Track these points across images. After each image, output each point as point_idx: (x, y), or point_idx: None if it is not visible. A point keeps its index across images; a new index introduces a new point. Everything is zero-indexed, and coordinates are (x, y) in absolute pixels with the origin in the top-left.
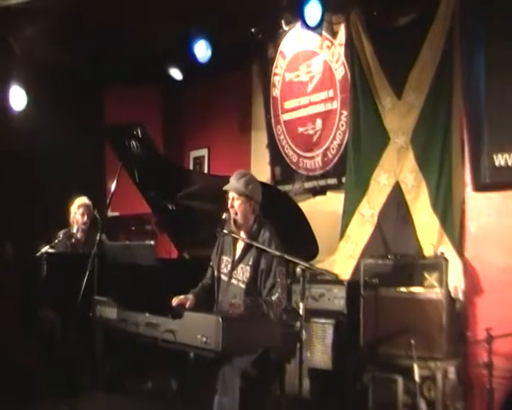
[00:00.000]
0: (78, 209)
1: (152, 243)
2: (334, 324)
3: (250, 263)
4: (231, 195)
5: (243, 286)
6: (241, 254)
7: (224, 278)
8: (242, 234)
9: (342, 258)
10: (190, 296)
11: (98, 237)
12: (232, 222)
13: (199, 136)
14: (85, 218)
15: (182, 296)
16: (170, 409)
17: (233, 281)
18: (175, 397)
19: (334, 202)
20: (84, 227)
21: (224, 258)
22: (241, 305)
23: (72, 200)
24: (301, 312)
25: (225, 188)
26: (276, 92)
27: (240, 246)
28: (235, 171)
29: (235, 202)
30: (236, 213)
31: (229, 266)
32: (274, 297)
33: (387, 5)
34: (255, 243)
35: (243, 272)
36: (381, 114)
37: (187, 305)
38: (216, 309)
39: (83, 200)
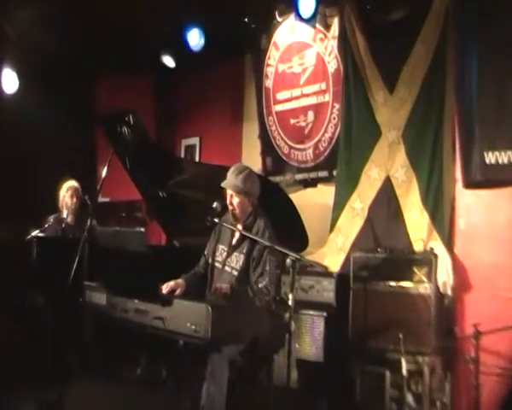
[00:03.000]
0: (66, 192)
1: (142, 229)
2: (322, 316)
3: (244, 251)
4: (229, 192)
5: (235, 273)
6: (237, 243)
7: (218, 265)
8: (238, 225)
9: (332, 250)
10: (181, 281)
11: (88, 223)
12: (231, 216)
13: (191, 124)
14: (74, 200)
15: (172, 282)
16: (158, 396)
17: (226, 268)
18: (164, 384)
19: (324, 194)
20: (73, 209)
21: (220, 247)
22: (227, 287)
23: (61, 184)
24: (290, 303)
25: (223, 185)
26: (268, 83)
27: (236, 235)
28: (227, 160)
29: (234, 200)
30: (235, 209)
31: (225, 254)
32: (260, 285)
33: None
34: (248, 234)
35: (237, 260)
36: (373, 108)
37: (177, 291)
38: (207, 295)
39: (71, 183)
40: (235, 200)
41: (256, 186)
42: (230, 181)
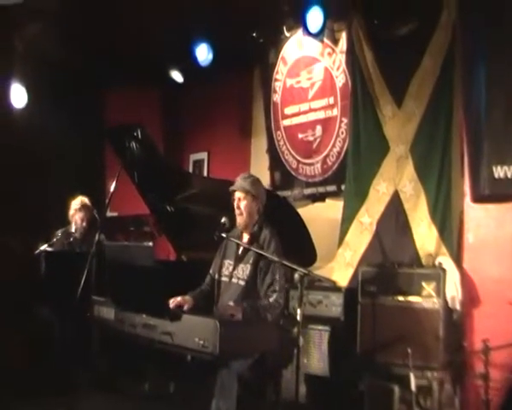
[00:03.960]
0: (79, 211)
1: (151, 244)
2: (331, 330)
3: (250, 262)
4: (238, 195)
5: (243, 284)
6: (242, 254)
7: (224, 279)
8: (245, 234)
9: (340, 265)
10: (188, 298)
11: (96, 237)
12: (237, 224)
13: (199, 139)
14: (84, 223)
15: (179, 298)
16: None
17: (233, 280)
18: (172, 399)
19: (333, 209)
20: (83, 227)
21: (226, 261)
22: (239, 308)
23: (74, 197)
24: (299, 318)
25: (232, 188)
26: (276, 98)
27: (241, 247)
28: (235, 175)
29: (242, 203)
30: (242, 214)
31: (231, 267)
32: (271, 299)
33: (389, 14)
34: (254, 249)
35: (243, 271)
36: (382, 122)
37: (185, 307)
38: (215, 310)
39: (84, 200)
40: (243, 203)
41: (263, 193)
42: (238, 183)
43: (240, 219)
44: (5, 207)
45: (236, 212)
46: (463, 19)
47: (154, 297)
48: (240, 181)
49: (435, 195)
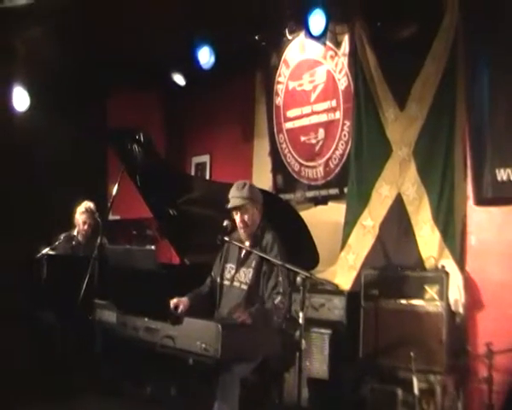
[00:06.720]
0: (83, 215)
1: (153, 248)
2: (333, 334)
3: (252, 266)
4: (239, 209)
5: (245, 288)
6: (244, 258)
7: (226, 283)
8: (247, 241)
9: (343, 268)
10: (184, 299)
11: (99, 241)
12: (242, 232)
13: (201, 142)
14: (86, 227)
15: (175, 299)
16: None
17: (235, 284)
18: (174, 403)
19: (335, 212)
20: (85, 232)
21: (228, 265)
22: (247, 314)
23: (80, 202)
24: (301, 321)
25: (231, 205)
26: (278, 100)
27: (243, 250)
28: (237, 178)
29: (245, 215)
30: (247, 226)
31: (233, 271)
32: (276, 301)
33: (391, 17)
34: (257, 252)
35: (245, 275)
36: (384, 125)
37: (180, 308)
38: (217, 315)
39: (89, 205)
40: (246, 215)
41: (259, 194)
42: (237, 198)
43: (244, 231)
44: (7, 210)
45: (240, 226)
46: (466, 22)
47: (157, 301)
48: (235, 194)
49: (438, 198)
